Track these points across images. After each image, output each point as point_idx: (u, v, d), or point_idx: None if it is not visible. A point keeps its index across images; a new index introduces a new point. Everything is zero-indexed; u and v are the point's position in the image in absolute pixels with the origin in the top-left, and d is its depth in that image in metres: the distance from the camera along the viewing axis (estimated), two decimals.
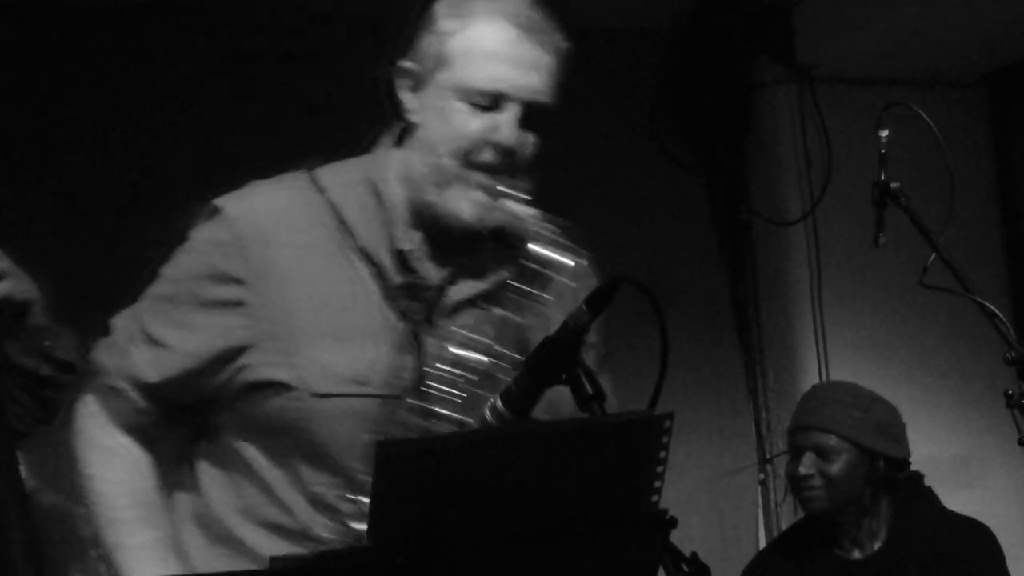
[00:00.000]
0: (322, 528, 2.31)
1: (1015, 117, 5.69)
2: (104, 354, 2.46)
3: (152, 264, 2.47)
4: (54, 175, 4.71)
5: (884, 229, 3.18)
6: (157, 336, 2.40)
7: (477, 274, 2.41)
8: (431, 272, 2.38)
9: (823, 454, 3.77)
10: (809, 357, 5.36)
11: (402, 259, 2.36)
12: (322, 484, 2.31)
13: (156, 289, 2.45)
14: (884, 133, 3.16)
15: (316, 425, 2.30)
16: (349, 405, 2.30)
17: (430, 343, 2.34)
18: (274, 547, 2.30)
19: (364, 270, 2.35)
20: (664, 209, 5.46)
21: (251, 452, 2.38)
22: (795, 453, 3.84)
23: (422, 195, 2.36)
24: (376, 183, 2.41)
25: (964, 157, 5.13)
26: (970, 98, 5.69)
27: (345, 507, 2.30)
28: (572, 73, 5.63)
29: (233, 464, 2.41)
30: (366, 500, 2.13)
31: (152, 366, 2.39)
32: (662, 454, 1.95)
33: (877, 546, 3.83)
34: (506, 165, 2.34)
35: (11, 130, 4.63)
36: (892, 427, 3.84)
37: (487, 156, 2.33)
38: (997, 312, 2.97)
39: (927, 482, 3.99)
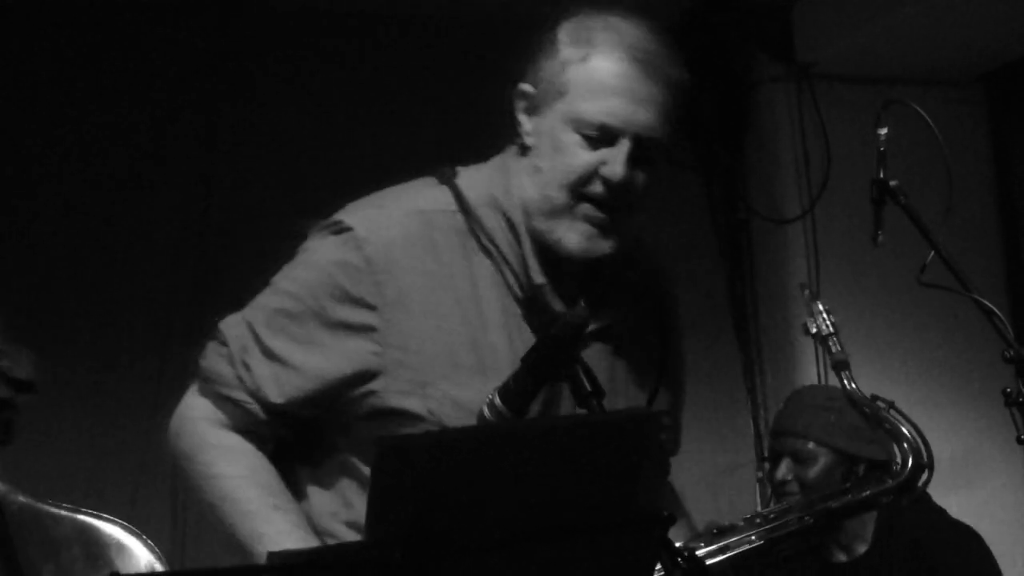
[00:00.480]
0: None
1: (1014, 115, 5.69)
2: (218, 362, 2.42)
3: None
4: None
5: (882, 227, 3.18)
6: (280, 353, 2.38)
7: (597, 312, 2.38)
8: (561, 308, 2.37)
9: (799, 459, 3.78)
10: (807, 355, 5.36)
11: (538, 296, 2.36)
12: None
13: (271, 301, 2.42)
14: (883, 131, 3.16)
15: None
16: None
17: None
18: None
19: (498, 300, 2.36)
20: (662, 207, 5.44)
21: (363, 466, 2.37)
22: (773, 458, 3.85)
23: (533, 224, 2.37)
24: (506, 210, 2.40)
25: (963, 155, 5.12)
26: (969, 96, 5.69)
27: None
28: None
29: (346, 477, 2.41)
30: None
31: (276, 384, 2.37)
32: (660, 451, 1.95)
33: (862, 549, 3.83)
34: (616, 200, 2.34)
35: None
36: (867, 429, 3.81)
37: (596, 189, 2.33)
38: (995, 310, 2.97)
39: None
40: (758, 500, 5.46)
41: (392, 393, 2.32)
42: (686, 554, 2.01)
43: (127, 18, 4.82)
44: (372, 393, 2.34)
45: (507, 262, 2.37)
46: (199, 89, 4.93)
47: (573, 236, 2.33)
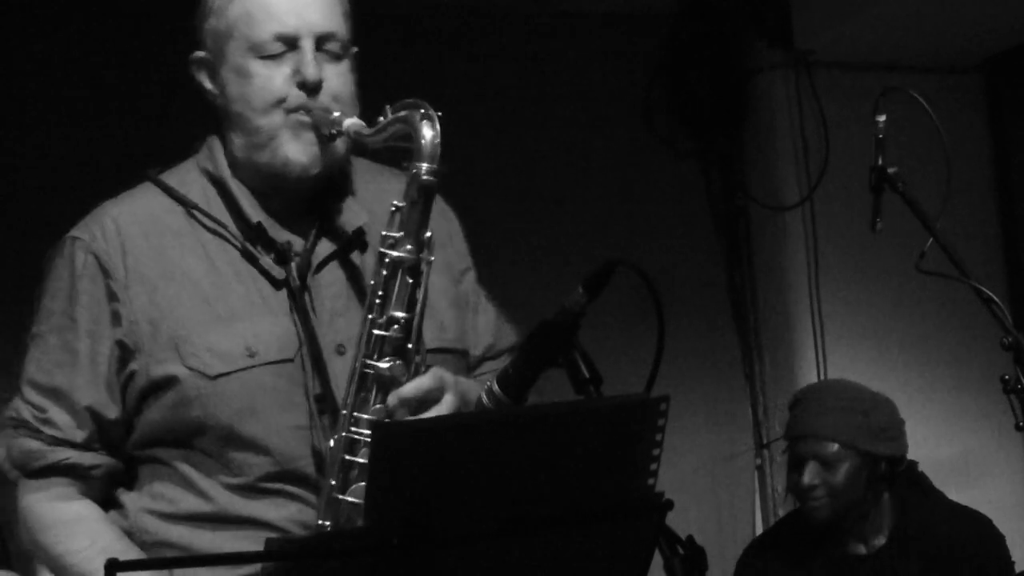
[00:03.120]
0: (241, 507, 2.33)
1: (1013, 103, 5.68)
2: (25, 441, 2.41)
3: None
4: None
5: (881, 214, 3.18)
6: (57, 386, 2.39)
7: (334, 232, 2.44)
8: (289, 237, 2.41)
9: (825, 463, 3.74)
10: (806, 342, 5.36)
11: (260, 231, 2.40)
12: (245, 465, 2.33)
13: (33, 352, 2.44)
14: (881, 118, 3.16)
15: (218, 408, 2.33)
16: (245, 379, 2.33)
17: (310, 303, 2.38)
18: (197, 539, 2.34)
19: (226, 253, 2.40)
20: (661, 194, 5.45)
21: (163, 454, 2.39)
22: (796, 462, 3.81)
23: (253, 162, 2.40)
24: (211, 171, 2.46)
25: (961, 143, 5.12)
26: (968, 84, 5.69)
27: (271, 486, 2.33)
28: (568, 58, 5.64)
29: (149, 474, 2.42)
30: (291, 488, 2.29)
31: (76, 419, 2.38)
32: (658, 437, 1.95)
33: (881, 541, 3.83)
34: (320, 103, 2.37)
35: None
36: (891, 428, 3.82)
37: (298, 99, 2.37)
38: (994, 297, 2.98)
39: (923, 469, 3.98)
40: (756, 487, 5.47)
41: (152, 366, 2.35)
42: (685, 540, 2.01)
43: (127, 11, 4.81)
44: (134, 374, 2.36)
45: (222, 223, 2.41)
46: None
47: (297, 147, 2.37)
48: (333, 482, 2.27)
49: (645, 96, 5.42)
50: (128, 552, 2.34)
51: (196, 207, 2.42)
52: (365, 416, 2.28)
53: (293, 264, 2.37)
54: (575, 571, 1.95)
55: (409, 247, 2.31)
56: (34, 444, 2.40)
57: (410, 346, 2.31)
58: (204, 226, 2.42)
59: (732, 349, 5.55)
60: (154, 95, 4.58)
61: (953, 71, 5.58)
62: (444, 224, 2.58)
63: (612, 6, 5.34)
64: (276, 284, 2.39)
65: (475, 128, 4.96)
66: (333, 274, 2.43)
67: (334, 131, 2.35)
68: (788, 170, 5.43)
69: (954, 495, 4.02)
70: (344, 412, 2.29)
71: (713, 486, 5.39)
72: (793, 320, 5.41)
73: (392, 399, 2.27)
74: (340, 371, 2.34)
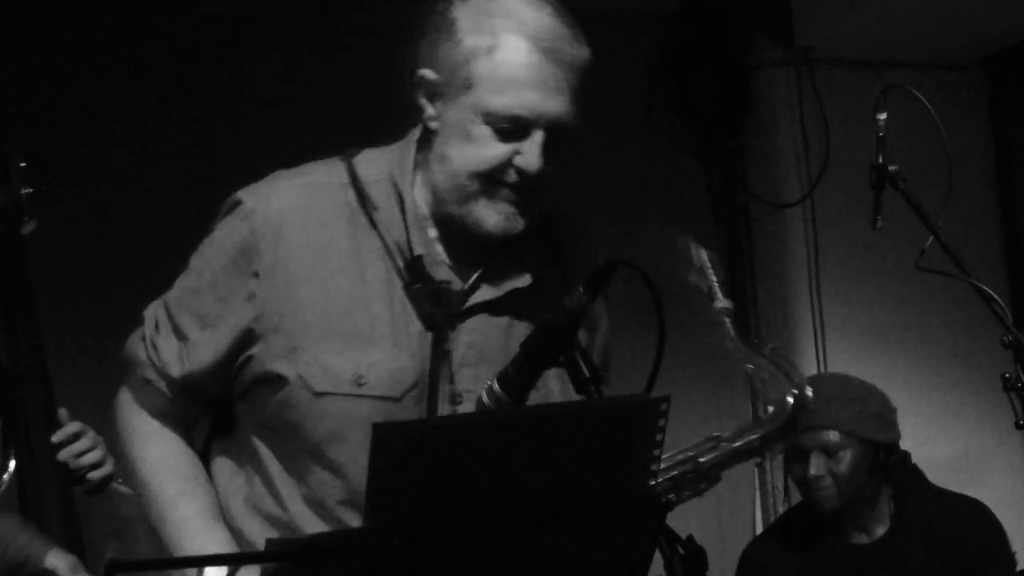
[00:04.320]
0: (309, 523, 2.35)
1: (1013, 100, 5.68)
2: (137, 345, 2.51)
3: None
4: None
5: (882, 212, 3.18)
6: (184, 329, 2.45)
7: (495, 282, 2.41)
8: (447, 276, 2.38)
9: (829, 452, 3.76)
10: (806, 340, 5.36)
11: (418, 264, 2.36)
12: (324, 484, 2.35)
13: (183, 280, 2.49)
14: (882, 116, 3.16)
15: (313, 423, 2.34)
16: (344, 405, 2.33)
17: (445, 348, 2.36)
18: (266, 536, 2.30)
19: (383, 272, 2.37)
20: (661, 192, 5.46)
21: (262, 447, 2.42)
22: (799, 455, 3.82)
23: (444, 206, 2.37)
24: (399, 185, 2.41)
25: (962, 140, 5.12)
26: (969, 81, 5.68)
27: (341, 512, 2.34)
28: None
29: (246, 456, 2.46)
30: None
31: (179, 360, 2.44)
32: (659, 437, 1.95)
33: (882, 531, 3.85)
34: (530, 185, 2.34)
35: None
36: (887, 414, 3.85)
37: (511, 178, 2.33)
38: (994, 295, 2.98)
39: (923, 466, 4.00)
40: (756, 484, 5.47)
41: (267, 357, 2.36)
42: (685, 540, 2.01)
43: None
44: (251, 359, 2.38)
45: (392, 235, 2.38)
46: (199, 74, 4.92)
47: (492, 216, 2.33)
48: None
49: (646, 93, 5.43)
50: (190, 482, 2.44)
51: (372, 215, 2.38)
52: None
53: (444, 308, 2.36)
54: (576, 571, 1.95)
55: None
56: (142, 354, 2.49)
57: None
58: (371, 231, 2.39)
59: None
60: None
61: (954, 68, 5.58)
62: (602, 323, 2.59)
63: (613, 3, 5.33)
64: (421, 319, 2.36)
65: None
66: (480, 323, 2.40)
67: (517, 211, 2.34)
68: (789, 167, 5.44)
69: (954, 490, 4.02)
70: None
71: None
72: (794, 317, 5.42)
73: None
74: None
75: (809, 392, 2.30)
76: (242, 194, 2.43)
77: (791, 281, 5.42)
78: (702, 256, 2.34)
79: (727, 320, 2.34)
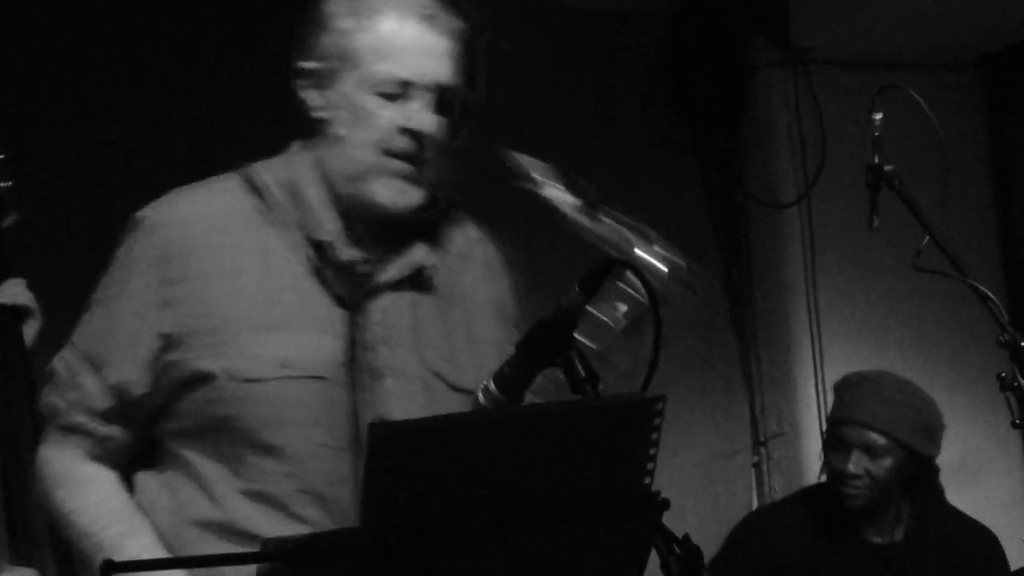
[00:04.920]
0: (248, 517, 2.35)
1: (1010, 100, 5.68)
2: (53, 396, 2.48)
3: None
4: None
5: (878, 212, 3.18)
6: (98, 359, 2.44)
7: (400, 262, 2.47)
8: (356, 256, 2.44)
9: (872, 453, 3.77)
10: (803, 340, 5.36)
11: (323, 250, 2.42)
12: (264, 473, 2.36)
13: (88, 317, 2.49)
14: (878, 116, 3.17)
15: (246, 412, 2.35)
16: (275, 389, 2.35)
17: (359, 326, 2.41)
18: (205, 545, 2.36)
19: (290, 265, 2.42)
20: (658, 191, 5.45)
21: (189, 454, 2.42)
22: (842, 446, 3.81)
23: (341, 188, 2.44)
24: (293, 183, 2.47)
25: (958, 140, 5.12)
26: (965, 81, 5.68)
27: (287, 497, 2.35)
28: (567, 54, 5.63)
29: (170, 467, 2.45)
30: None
31: (101, 391, 2.43)
32: (655, 436, 1.96)
33: (899, 536, 3.87)
34: (422, 151, 2.41)
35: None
36: (936, 429, 3.86)
37: (402, 144, 2.40)
38: (990, 295, 2.98)
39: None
40: (753, 485, 5.47)
41: (190, 359, 2.37)
42: (681, 539, 2.01)
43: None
44: (173, 364, 2.39)
45: (292, 230, 2.43)
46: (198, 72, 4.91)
47: (386, 191, 2.41)
48: None
49: (645, 93, 5.43)
50: (133, 519, 2.40)
51: (276, 205, 2.45)
52: None
53: (350, 285, 2.42)
54: (572, 571, 1.96)
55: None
56: (59, 401, 2.46)
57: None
58: (272, 231, 2.44)
59: (729, 346, 5.55)
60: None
61: (950, 69, 5.58)
62: (504, 284, 2.67)
63: (613, 4, 5.34)
64: (333, 300, 2.42)
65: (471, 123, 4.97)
66: (389, 301, 2.46)
67: (412, 182, 2.41)
68: (786, 167, 5.44)
69: (951, 492, 4.04)
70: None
71: (710, 484, 5.39)
72: (790, 317, 5.42)
73: None
74: (370, 397, 2.37)
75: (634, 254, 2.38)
76: (143, 212, 2.47)
77: (788, 281, 5.42)
78: (536, 167, 2.40)
79: (578, 213, 2.34)
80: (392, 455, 1.78)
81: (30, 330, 3.07)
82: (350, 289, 2.41)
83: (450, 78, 2.45)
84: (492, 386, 2.19)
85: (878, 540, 3.88)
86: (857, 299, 5.41)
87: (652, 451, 1.96)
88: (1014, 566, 3.90)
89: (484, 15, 2.58)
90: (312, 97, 2.46)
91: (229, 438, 2.37)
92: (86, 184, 4.67)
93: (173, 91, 4.84)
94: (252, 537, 2.31)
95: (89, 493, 2.43)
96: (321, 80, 2.45)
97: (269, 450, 2.35)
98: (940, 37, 5.30)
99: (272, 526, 2.31)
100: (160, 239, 2.42)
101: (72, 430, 2.45)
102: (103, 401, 2.42)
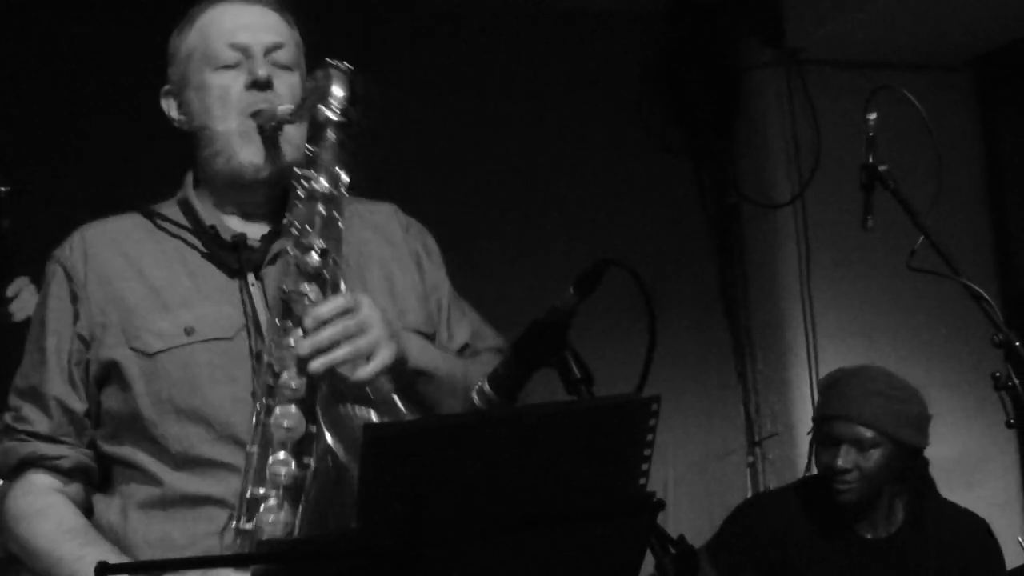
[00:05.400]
0: (187, 484, 2.40)
1: (1003, 100, 5.69)
2: (4, 441, 2.54)
3: None
4: None
5: (872, 212, 3.19)
6: (35, 387, 2.52)
7: (285, 230, 2.51)
8: (245, 231, 2.54)
9: (861, 447, 3.77)
10: (797, 340, 5.37)
11: (215, 233, 2.54)
12: (189, 436, 2.41)
13: (24, 362, 2.59)
14: (872, 116, 3.17)
15: (158, 385, 2.43)
16: (182, 355, 2.44)
17: (256, 292, 2.48)
18: (151, 527, 2.41)
19: (184, 255, 2.54)
20: (652, 192, 5.46)
21: (123, 449, 2.49)
22: (831, 442, 3.82)
23: (215, 171, 2.55)
24: (181, 198, 2.63)
25: (952, 140, 5.12)
26: (958, 81, 5.69)
27: (214, 452, 2.40)
28: (561, 57, 5.63)
29: (119, 475, 2.51)
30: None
31: (41, 415, 2.51)
32: (649, 437, 1.96)
33: (892, 529, 3.87)
34: (273, 104, 2.49)
35: None
36: (923, 420, 3.86)
37: (252, 100, 2.50)
38: (984, 295, 2.98)
39: None
40: (748, 485, 5.47)
41: (102, 351, 2.48)
42: (676, 540, 2.01)
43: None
44: (89, 362, 2.50)
45: (182, 226, 2.57)
46: None
47: (248, 150, 2.50)
48: (253, 447, 2.34)
49: (638, 93, 5.43)
50: (88, 533, 2.44)
51: (161, 215, 2.58)
52: (288, 341, 2.35)
53: (244, 253, 2.50)
54: (567, 571, 1.96)
55: (324, 181, 2.42)
56: (9, 444, 2.53)
57: (327, 276, 2.40)
58: (167, 233, 2.56)
59: (724, 347, 5.56)
60: None
61: (944, 69, 5.59)
62: (420, 239, 2.72)
63: (606, 4, 5.34)
64: (230, 273, 2.51)
65: (467, 126, 4.97)
66: (281, 270, 2.51)
67: (273, 123, 2.48)
68: (779, 168, 5.44)
69: (946, 492, 4.04)
70: (266, 340, 2.40)
71: (705, 484, 5.40)
72: (785, 318, 5.42)
73: (308, 321, 2.33)
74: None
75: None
76: (55, 251, 2.60)
77: (782, 281, 5.43)
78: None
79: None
80: (387, 457, 1.78)
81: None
82: (244, 261, 2.50)
83: (276, 34, 2.56)
84: (487, 387, 2.20)
85: (873, 534, 3.88)
86: (851, 299, 5.41)
87: (647, 452, 1.96)
88: (1010, 565, 3.90)
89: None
90: (175, 113, 2.61)
91: (152, 415, 2.43)
92: (79, 188, 4.68)
93: (99, 93, 4.83)
94: (194, 499, 2.39)
95: (48, 518, 2.46)
96: (177, 90, 2.60)
97: (189, 415, 2.41)
98: (933, 37, 5.31)
99: (210, 485, 2.38)
100: (63, 261, 2.56)
101: (25, 464, 2.50)
102: (48, 420, 2.50)
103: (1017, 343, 2.90)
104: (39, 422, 2.50)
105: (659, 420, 1.97)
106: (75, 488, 2.52)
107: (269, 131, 2.49)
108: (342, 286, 2.42)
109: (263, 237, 2.55)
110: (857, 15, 5.10)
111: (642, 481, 1.97)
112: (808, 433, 4.01)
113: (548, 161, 5.17)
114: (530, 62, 5.25)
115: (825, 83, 5.38)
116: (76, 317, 2.51)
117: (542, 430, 1.90)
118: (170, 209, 2.62)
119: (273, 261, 2.51)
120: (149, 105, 4.67)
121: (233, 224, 2.57)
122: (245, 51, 2.52)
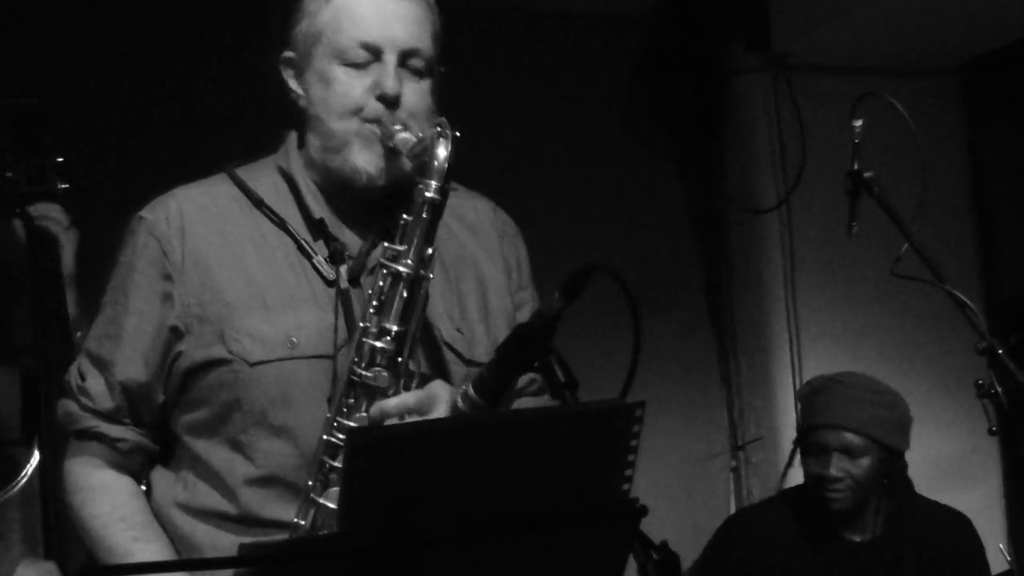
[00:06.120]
0: (261, 505, 2.35)
1: (989, 107, 5.70)
2: (64, 406, 2.50)
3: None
4: None
5: (857, 218, 3.19)
6: (106, 359, 2.46)
7: (392, 237, 2.45)
8: (350, 239, 2.46)
9: (851, 455, 3.78)
10: (782, 345, 5.37)
11: (322, 229, 2.45)
12: (274, 455, 2.36)
13: (98, 321, 2.52)
14: (858, 123, 3.17)
15: (254, 395, 2.36)
16: (282, 369, 2.36)
17: (356, 304, 2.40)
18: (220, 539, 2.36)
19: (285, 246, 2.44)
20: (639, 197, 5.46)
21: (202, 446, 2.43)
22: (819, 451, 3.82)
23: (326, 165, 2.46)
24: (283, 168, 2.52)
25: (937, 147, 5.14)
26: (944, 88, 5.70)
27: (296, 478, 2.34)
28: (548, 59, 5.62)
29: (186, 463, 2.46)
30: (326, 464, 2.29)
31: (106, 391, 2.45)
32: (633, 443, 1.95)
33: (877, 531, 3.89)
34: (397, 118, 2.41)
35: None
36: (907, 423, 3.88)
37: (375, 109, 2.41)
38: (968, 302, 2.99)
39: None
40: (731, 489, 5.48)
41: (197, 348, 2.40)
42: (659, 545, 2.01)
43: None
44: (180, 355, 2.42)
45: (284, 217, 2.46)
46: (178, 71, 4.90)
47: (365, 157, 2.42)
48: (311, 483, 2.29)
49: (625, 98, 5.43)
50: (146, 526, 2.41)
51: (261, 200, 2.48)
52: (348, 423, 2.30)
53: (345, 266, 2.42)
54: None
55: (410, 262, 2.33)
56: (72, 408, 2.48)
57: (400, 360, 2.33)
58: (268, 218, 2.47)
59: (708, 351, 5.56)
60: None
61: (930, 75, 5.60)
62: (514, 248, 2.66)
63: (593, 7, 5.34)
64: (327, 282, 2.42)
65: (452, 127, 4.95)
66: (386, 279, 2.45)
67: (391, 144, 2.39)
68: (765, 173, 5.45)
69: (927, 496, 4.05)
70: (328, 416, 2.31)
71: (688, 488, 5.40)
72: (769, 323, 5.42)
73: (375, 411, 2.29)
74: None
75: None
76: (141, 212, 2.50)
77: (767, 286, 5.43)
78: None
79: None
80: (371, 461, 1.78)
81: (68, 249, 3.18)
82: (344, 270, 2.42)
83: (415, 40, 2.45)
84: (471, 391, 2.19)
85: (859, 538, 3.90)
86: (836, 305, 5.42)
87: (631, 457, 1.95)
88: (992, 572, 3.92)
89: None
90: (294, 86, 2.50)
91: (241, 424, 2.37)
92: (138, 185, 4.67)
93: (155, 91, 4.83)
94: (268, 523, 2.34)
95: (103, 500, 2.44)
96: (300, 66, 2.49)
97: (279, 432, 2.36)
98: (919, 44, 5.32)
99: (284, 510, 2.33)
100: (158, 235, 2.44)
101: (85, 435, 2.46)
102: (111, 401, 2.44)
103: (1000, 351, 2.91)
104: (102, 399, 2.44)
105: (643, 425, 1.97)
106: (133, 462, 2.47)
107: (390, 145, 2.39)
108: (415, 375, 2.37)
109: (361, 247, 2.45)
110: (844, 21, 5.11)
111: (626, 487, 1.97)
112: (793, 443, 4.02)
113: (534, 164, 5.17)
114: (517, 64, 5.24)
115: (812, 89, 5.39)
116: (167, 302, 2.41)
117: (526, 435, 1.90)
118: (267, 174, 2.53)
119: (373, 271, 2.42)
120: (207, 99, 4.68)
121: (332, 212, 2.48)
122: (377, 53, 2.41)
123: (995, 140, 5.68)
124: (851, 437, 3.78)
